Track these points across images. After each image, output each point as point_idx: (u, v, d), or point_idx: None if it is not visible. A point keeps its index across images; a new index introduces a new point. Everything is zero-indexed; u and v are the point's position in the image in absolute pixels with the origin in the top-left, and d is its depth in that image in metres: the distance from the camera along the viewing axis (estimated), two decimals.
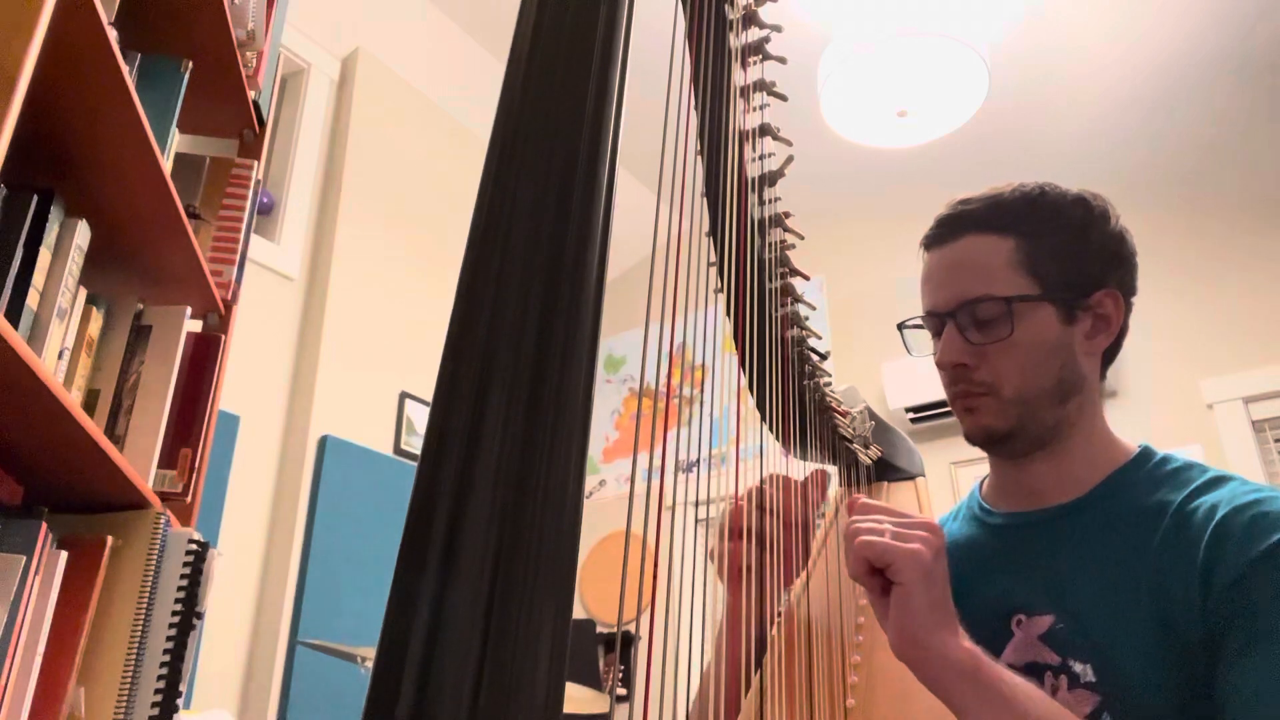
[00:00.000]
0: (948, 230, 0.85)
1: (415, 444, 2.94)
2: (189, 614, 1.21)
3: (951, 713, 0.62)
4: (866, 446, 1.02)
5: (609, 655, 3.20)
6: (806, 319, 0.86)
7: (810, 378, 0.89)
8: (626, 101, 0.32)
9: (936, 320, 0.85)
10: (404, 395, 2.96)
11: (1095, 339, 0.84)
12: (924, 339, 0.89)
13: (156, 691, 1.14)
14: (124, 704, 1.10)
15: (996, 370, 0.81)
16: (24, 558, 0.95)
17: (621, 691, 3.14)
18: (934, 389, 3.41)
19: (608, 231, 0.30)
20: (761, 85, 0.69)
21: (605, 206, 0.30)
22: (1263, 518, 0.70)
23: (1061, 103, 2.96)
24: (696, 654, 0.67)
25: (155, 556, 1.18)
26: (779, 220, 0.77)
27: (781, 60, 0.68)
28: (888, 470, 1.06)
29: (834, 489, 1.04)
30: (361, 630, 2.49)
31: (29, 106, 0.86)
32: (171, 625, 1.18)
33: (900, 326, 0.93)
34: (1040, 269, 0.81)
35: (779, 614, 0.81)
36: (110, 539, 1.13)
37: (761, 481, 0.79)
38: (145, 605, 1.15)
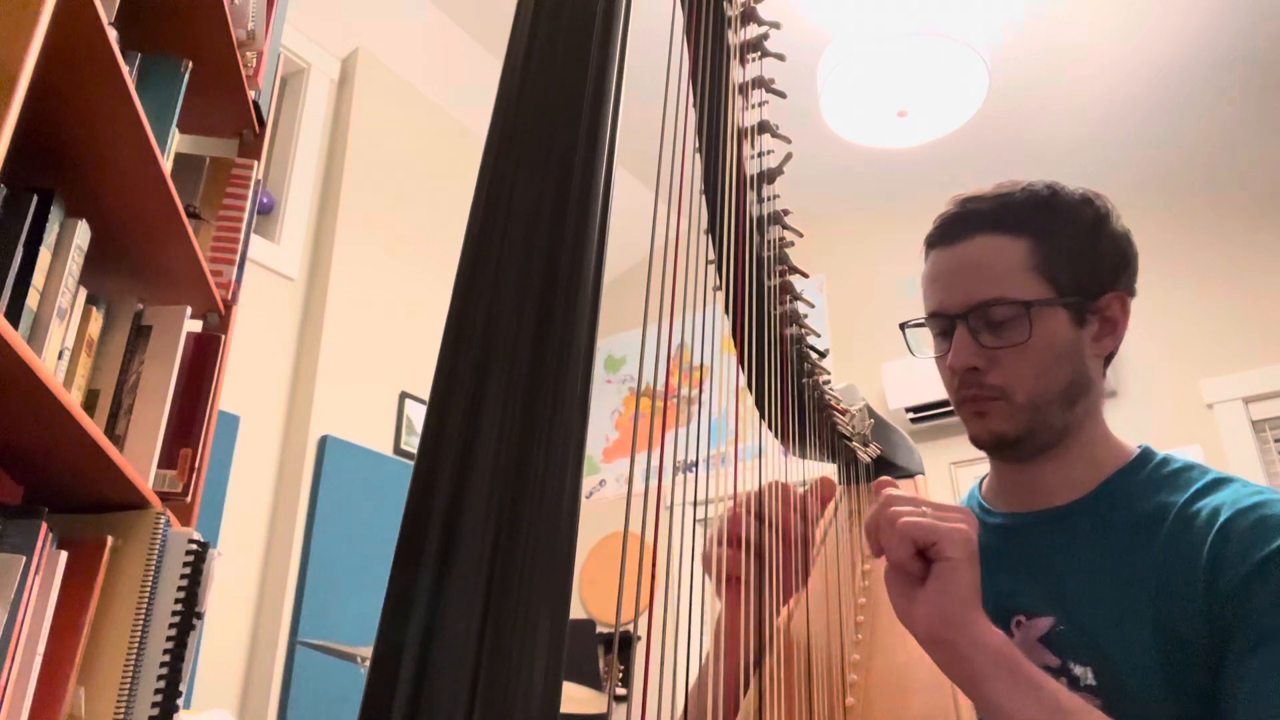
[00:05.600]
0: (956, 229, 0.83)
1: (415, 444, 2.94)
2: (189, 614, 1.21)
3: (976, 700, 0.61)
4: (866, 444, 1.02)
5: (608, 655, 3.20)
6: (805, 317, 0.85)
7: (809, 376, 0.89)
8: (624, 98, 0.32)
9: (944, 321, 0.83)
10: (404, 395, 2.96)
11: (1102, 341, 0.83)
12: (928, 339, 0.88)
13: (156, 691, 1.14)
14: (124, 704, 1.10)
15: (1009, 374, 0.79)
16: (24, 558, 0.95)
17: (620, 691, 3.14)
18: (934, 389, 3.40)
19: (605, 229, 0.30)
20: (760, 82, 0.69)
21: (603, 204, 0.30)
22: (1266, 520, 0.70)
23: (1062, 103, 2.96)
24: (696, 654, 0.67)
25: (155, 556, 1.18)
26: (778, 218, 0.77)
27: (780, 57, 0.68)
28: (887, 468, 1.06)
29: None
30: (361, 630, 2.49)
31: (29, 106, 0.86)
32: (171, 625, 1.18)
33: (903, 326, 0.92)
34: (1053, 272, 0.80)
35: (775, 624, 0.80)
36: (110, 539, 1.13)
37: (760, 490, 0.78)
38: (145, 605, 1.15)
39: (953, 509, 0.65)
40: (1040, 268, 0.80)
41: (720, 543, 0.75)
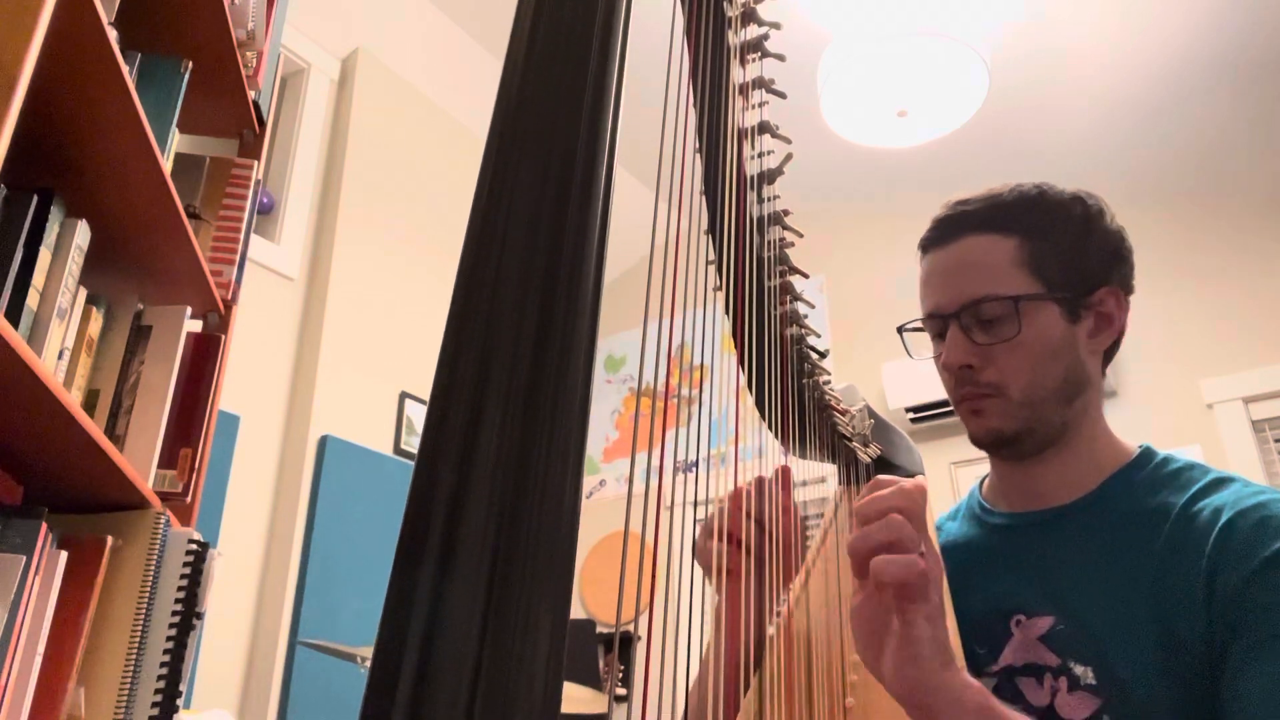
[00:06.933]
0: (946, 231, 0.85)
1: (415, 444, 2.94)
2: (189, 614, 1.21)
3: None
4: (866, 445, 1.02)
5: (608, 655, 3.20)
6: (805, 317, 0.85)
7: (809, 376, 0.89)
8: (624, 99, 0.32)
9: (938, 322, 0.84)
10: (404, 395, 2.96)
11: (1098, 337, 0.83)
12: (925, 342, 0.89)
13: (156, 691, 1.14)
14: (124, 704, 1.10)
15: (1003, 371, 0.80)
16: (24, 558, 0.95)
17: (621, 691, 3.14)
18: (934, 389, 3.40)
19: (605, 229, 0.30)
20: (760, 83, 0.69)
21: (603, 204, 0.30)
22: (1267, 521, 0.70)
23: (1062, 103, 2.96)
24: (696, 654, 0.67)
25: (155, 556, 1.18)
26: (778, 218, 0.77)
27: (780, 58, 0.68)
28: (887, 468, 1.06)
29: (834, 487, 1.03)
30: (361, 630, 2.49)
31: (29, 106, 0.86)
32: (171, 625, 1.18)
33: (900, 330, 0.92)
34: (1043, 268, 0.81)
35: (776, 615, 0.80)
36: (110, 539, 1.13)
37: (737, 488, 0.78)
38: (145, 605, 1.15)
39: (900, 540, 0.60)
40: (1029, 264, 0.81)
41: (711, 537, 0.76)
